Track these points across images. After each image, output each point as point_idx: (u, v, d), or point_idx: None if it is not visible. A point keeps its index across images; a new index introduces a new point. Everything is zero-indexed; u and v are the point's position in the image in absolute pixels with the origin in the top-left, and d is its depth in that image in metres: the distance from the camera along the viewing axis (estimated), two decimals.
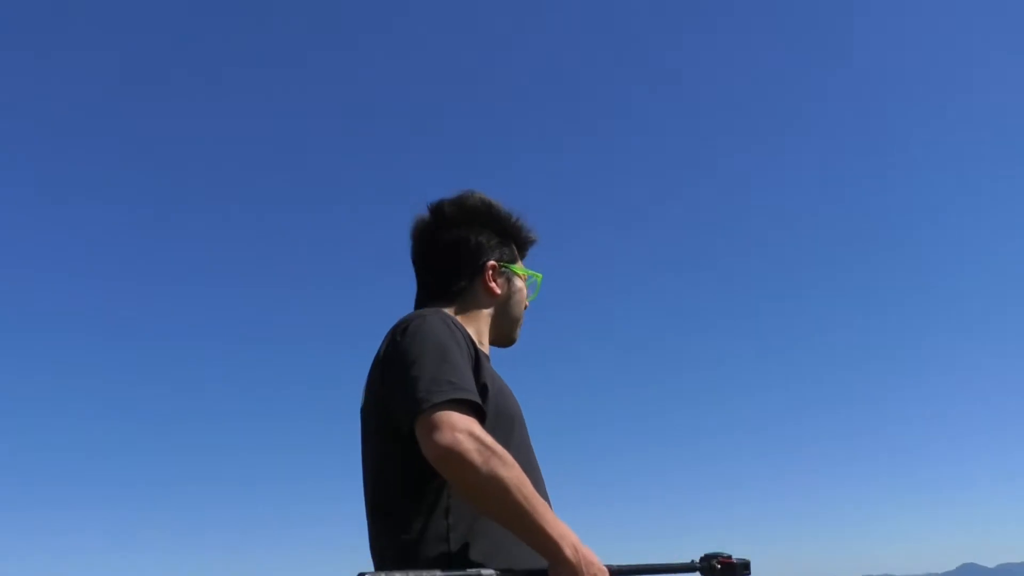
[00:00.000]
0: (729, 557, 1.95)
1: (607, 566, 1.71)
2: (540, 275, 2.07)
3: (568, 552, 1.53)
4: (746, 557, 1.97)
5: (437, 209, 1.98)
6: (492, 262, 1.97)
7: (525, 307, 2.04)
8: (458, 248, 1.96)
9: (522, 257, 2.06)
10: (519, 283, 2.02)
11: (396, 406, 1.63)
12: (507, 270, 1.99)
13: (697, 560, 1.98)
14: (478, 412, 1.59)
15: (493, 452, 1.52)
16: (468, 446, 1.50)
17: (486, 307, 1.96)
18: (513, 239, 2.04)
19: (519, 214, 2.05)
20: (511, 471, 1.52)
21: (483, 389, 1.70)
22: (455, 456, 1.50)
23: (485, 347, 1.95)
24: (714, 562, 1.95)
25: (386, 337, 1.77)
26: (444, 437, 1.51)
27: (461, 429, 1.51)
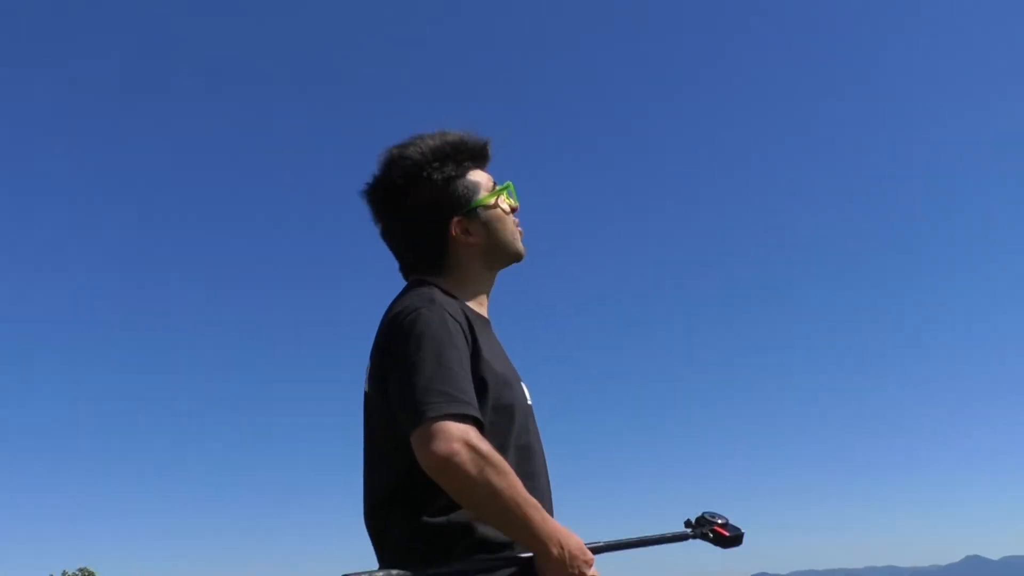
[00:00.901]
0: (724, 524, 1.93)
1: (604, 543, 1.72)
2: (509, 183, 1.92)
3: (554, 551, 1.57)
4: (739, 527, 1.93)
5: (377, 188, 1.86)
6: (455, 217, 1.83)
7: (512, 218, 1.91)
8: (417, 223, 1.85)
9: (484, 166, 1.91)
10: (493, 212, 1.87)
11: (397, 412, 1.64)
12: (473, 212, 1.85)
13: (692, 522, 1.96)
14: (475, 419, 1.59)
15: (487, 461, 1.53)
16: (464, 457, 1.51)
17: (474, 259, 1.86)
18: (466, 168, 1.87)
19: (455, 133, 1.87)
20: (504, 479, 1.54)
21: (482, 383, 1.67)
22: (451, 467, 1.51)
23: (482, 305, 1.88)
24: (707, 530, 1.92)
25: (383, 324, 1.74)
26: (440, 448, 1.51)
27: (457, 439, 1.52)
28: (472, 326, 1.72)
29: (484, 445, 1.54)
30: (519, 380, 1.84)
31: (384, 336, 1.71)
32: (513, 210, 1.91)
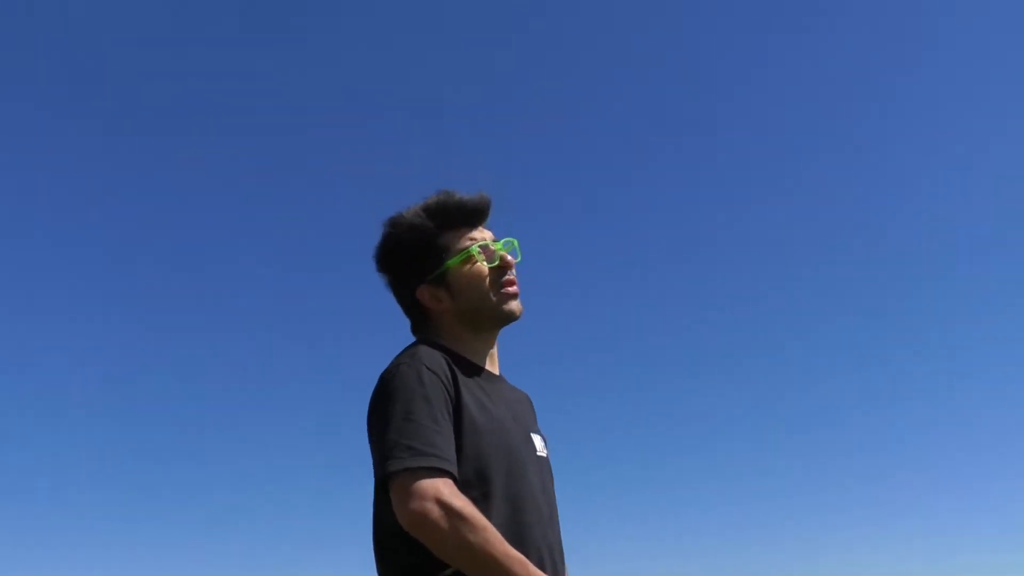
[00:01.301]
0: None
1: None
2: (484, 239, 1.87)
3: None
4: None
5: (374, 261, 1.93)
6: (420, 287, 1.84)
7: (499, 271, 1.86)
8: (396, 292, 1.92)
9: (469, 224, 1.88)
10: (465, 272, 1.84)
11: (374, 465, 1.66)
12: (440, 277, 1.84)
13: None
14: (448, 472, 1.57)
15: (460, 517, 1.50)
16: (434, 515, 1.49)
17: (452, 324, 1.85)
18: (437, 231, 1.86)
19: (440, 196, 1.87)
20: (478, 534, 1.50)
21: (459, 432, 1.65)
22: (423, 525, 1.50)
23: (480, 357, 1.86)
24: None
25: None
26: (411, 505, 1.51)
27: (428, 497, 1.50)
28: (455, 376, 1.72)
29: (457, 500, 1.52)
30: (525, 429, 1.83)
31: (371, 396, 1.72)
32: (499, 269, 1.85)
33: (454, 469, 1.57)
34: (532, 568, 1.52)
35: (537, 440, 1.85)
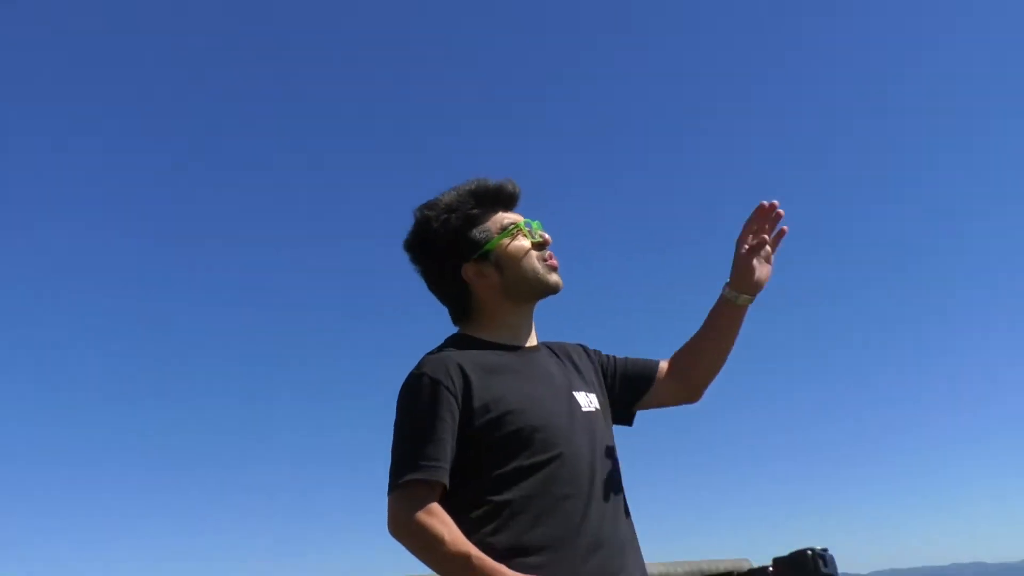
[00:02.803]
0: (822, 554, 1.89)
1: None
2: (522, 221, 1.98)
3: None
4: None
5: (406, 248, 2.02)
6: (465, 264, 1.93)
7: (538, 248, 1.96)
8: (437, 276, 1.99)
9: (508, 207, 1.99)
10: (507, 250, 1.94)
11: None
12: (484, 255, 1.93)
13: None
14: (431, 482, 1.72)
15: (426, 532, 1.67)
16: (408, 528, 1.69)
17: (497, 299, 1.94)
18: (478, 211, 1.96)
19: (474, 181, 1.96)
20: (437, 551, 1.67)
21: (481, 418, 1.77)
22: (401, 537, 1.71)
23: (521, 336, 1.96)
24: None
25: None
26: (395, 520, 1.71)
27: (405, 510, 1.69)
28: (467, 379, 1.79)
29: (433, 519, 1.67)
30: (568, 391, 1.89)
31: None
32: (539, 245, 1.96)
33: (440, 475, 1.70)
34: (483, 565, 1.63)
35: (582, 397, 1.92)
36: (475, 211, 1.95)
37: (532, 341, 1.99)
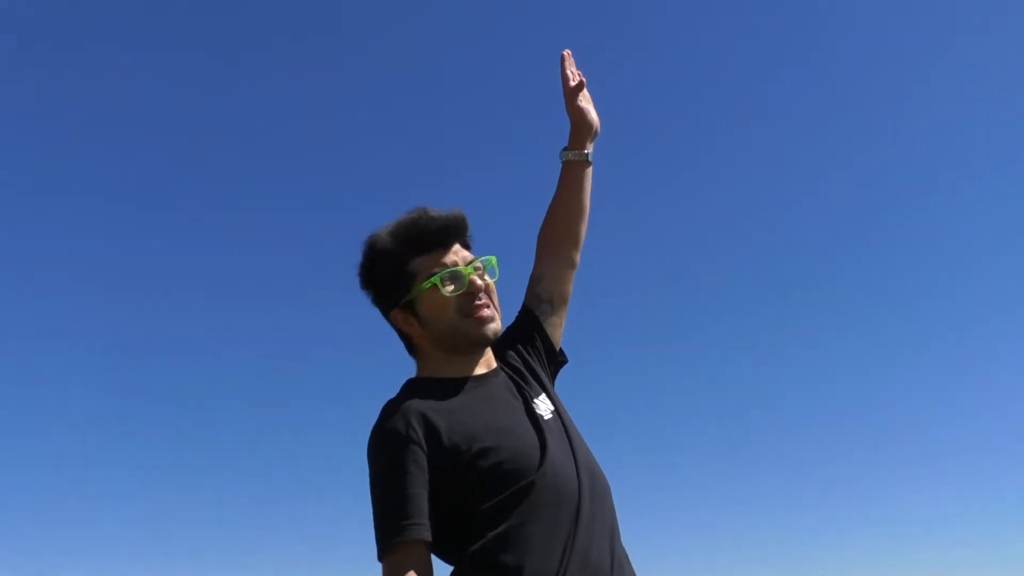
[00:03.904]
0: None
1: None
2: (440, 270, 1.85)
3: None
4: None
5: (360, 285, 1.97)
6: (392, 312, 1.88)
7: (467, 296, 1.83)
8: (382, 317, 1.94)
9: (434, 248, 1.86)
10: (430, 300, 1.83)
11: None
12: (408, 304, 1.86)
13: None
14: (408, 541, 1.66)
15: None
16: None
17: (430, 347, 1.89)
18: (403, 259, 1.85)
19: (408, 219, 1.86)
20: None
21: (452, 460, 1.71)
22: None
23: (468, 367, 1.87)
24: None
25: None
26: None
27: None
28: (429, 422, 1.73)
29: None
30: (524, 408, 1.84)
31: None
32: (469, 293, 1.83)
33: (422, 532, 1.64)
34: None
35: (540, 403, 1.86)
36: (405, 255, 1.84)
37: (485, 367, 1.90)
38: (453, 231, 1.87)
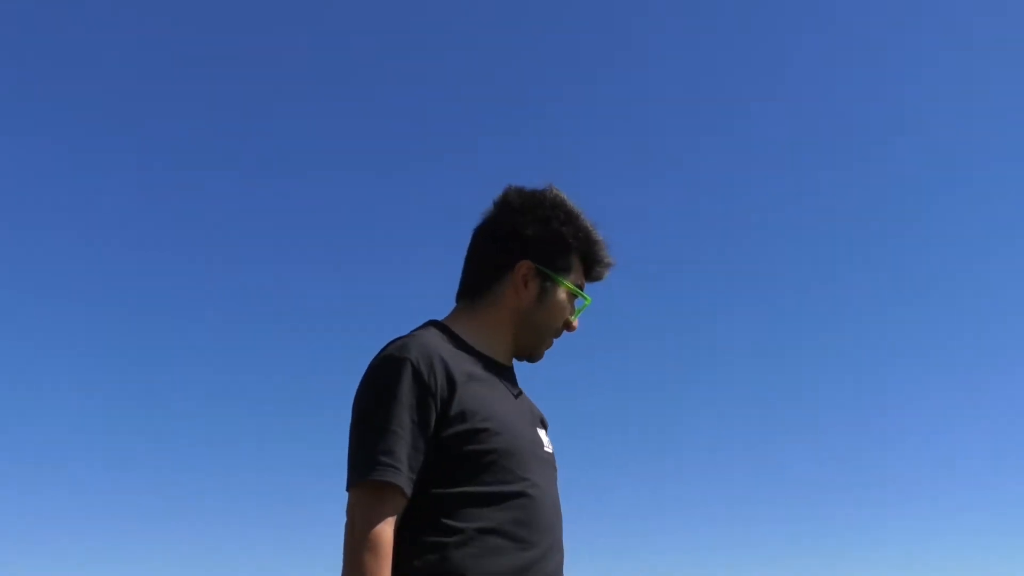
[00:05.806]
0: None
1: None
2: (589, 299, 1.84)
3: None
4: None
5: (503, 195, 1.85)
6: (527, 262, 1.77)
7: (565, 327, 1.84)
8: (502, 240, 1.81)
9: (590, 279, 1.87)
10: (560, 296, 1.80)
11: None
12: (547, 277, 1.78)
13: None
14: (391, 484, 1.54)
15: (370, 547, 1.49)
16: (355, 535, 1.51)
17: (507, 311, 1.79)
18: (579, 253, 1.82)
19: (597, 232, 1.85)
20: (378, 562, 1.49)
21: (452, 428, 1.59)
22: (346, 536, 1.53)
23: (500, 353, 1.79)
24: None
25: None
26: (348, 516, 1.54)
27: (368, 524, 1.51)
28: (451, 378, 1.62)
29: (378, 529, 1.51)
30: (533, 426, 1.75)
31: (360, 382, 1.67)
32: (567, 325, 1.84)
33: (400, 479, 1.53)
34: None
35: (543, 436, 1.78)
36: (578, 249, 1.82)
37: (509, 363, 1.83)
38: (602, 277, 1.89)
